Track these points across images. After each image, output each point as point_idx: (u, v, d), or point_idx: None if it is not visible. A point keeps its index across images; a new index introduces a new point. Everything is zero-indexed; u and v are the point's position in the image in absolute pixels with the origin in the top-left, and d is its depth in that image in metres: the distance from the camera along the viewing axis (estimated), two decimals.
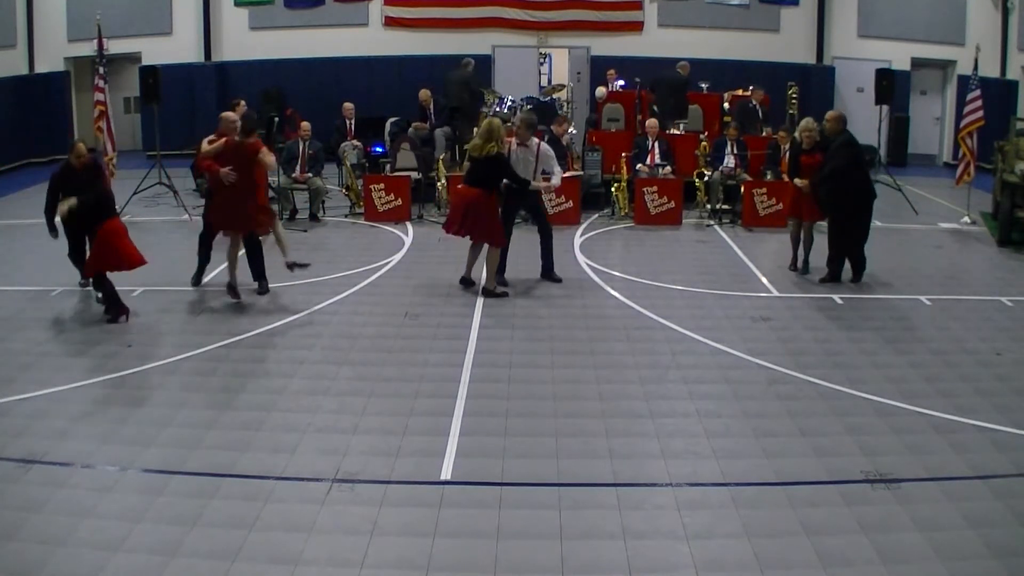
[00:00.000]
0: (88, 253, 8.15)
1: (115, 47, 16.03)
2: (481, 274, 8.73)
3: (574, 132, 13.66)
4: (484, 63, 17.73)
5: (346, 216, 12.34)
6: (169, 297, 8.66)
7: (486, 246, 8.66)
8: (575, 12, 17.76)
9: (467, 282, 8.92)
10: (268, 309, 8.29)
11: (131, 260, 7.91)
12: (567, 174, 11.05)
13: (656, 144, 12.44)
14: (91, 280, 8.23)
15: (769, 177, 12.16)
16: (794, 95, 14.28)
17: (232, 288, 8.35)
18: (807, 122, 9.41)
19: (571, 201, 11.94)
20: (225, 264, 8.51)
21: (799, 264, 9.58)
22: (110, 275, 7.92)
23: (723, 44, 17.31)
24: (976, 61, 12.56)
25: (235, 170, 8.14)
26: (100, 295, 8.22)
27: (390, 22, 17.75)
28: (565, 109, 14.52)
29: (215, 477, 5.13)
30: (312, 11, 17.62)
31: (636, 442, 5.66)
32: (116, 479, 5.13)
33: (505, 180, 8.63)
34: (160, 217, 11.93)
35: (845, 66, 17.69)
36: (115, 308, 7.94)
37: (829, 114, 9.39)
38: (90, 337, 7.58)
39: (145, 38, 17.28)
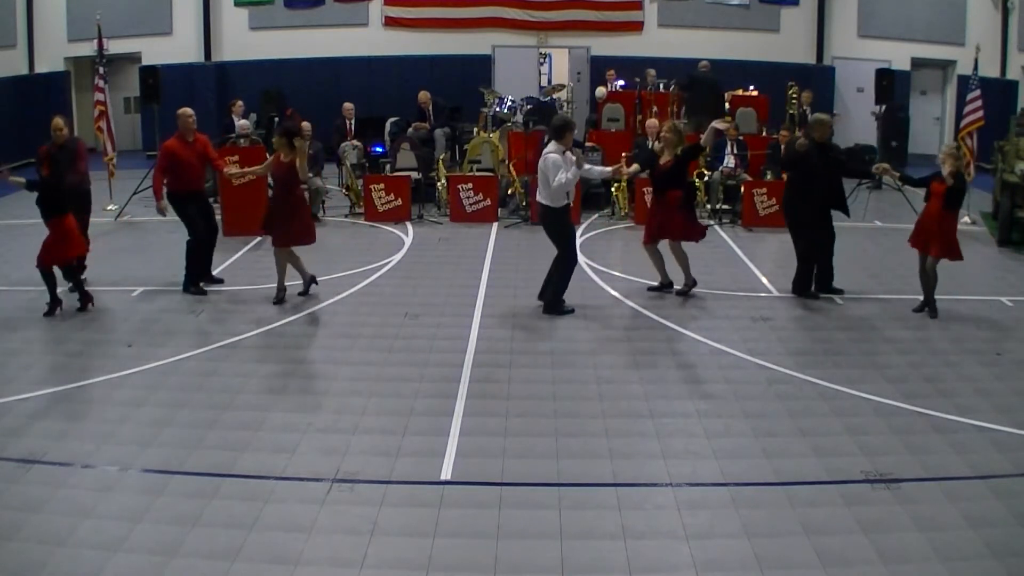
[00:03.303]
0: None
1: (115, 47, 16.05)
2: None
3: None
4: (484, 63, 17.75)
5: (346, 216, 12.34)
6: (169, 297, 8.65)
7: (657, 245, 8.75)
8: (575, 12, 17.77)
9: (666, 286, 8.89)
10: (268, 309, 8.29)
11: (78, 250, 8.26)
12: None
13: (655, 145, 12.41)
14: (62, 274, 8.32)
15: (769, 177, 12.16)
16: (794, 95, 14.28)
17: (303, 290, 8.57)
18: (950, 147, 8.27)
19: (571, 201, 11.91)
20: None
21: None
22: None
23: (723, 44, 17.31)
24: (976, 61, 12.55)
25: (280, 184, 8.41)
26: (72, 285, 8.29)
27: (390, 22, 17.76)
28: (565, 109, 14.53)
29: (215, 477, 5.13)
30: (312, 11, 17.63)
31: (636, 442, 5.65)
32: (116, 479, 5.13)
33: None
34: (160, 217, 11.92)
35: (845, 66, 17.69)
36: (54, 305, 8.09)
37: (823, 117, 8.89)
38: (90, 337, 7.58)
39: (145, 38, 17.30)
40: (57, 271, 8.14)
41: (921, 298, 8.30)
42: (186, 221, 8.84)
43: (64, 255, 8.07)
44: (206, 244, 8.98)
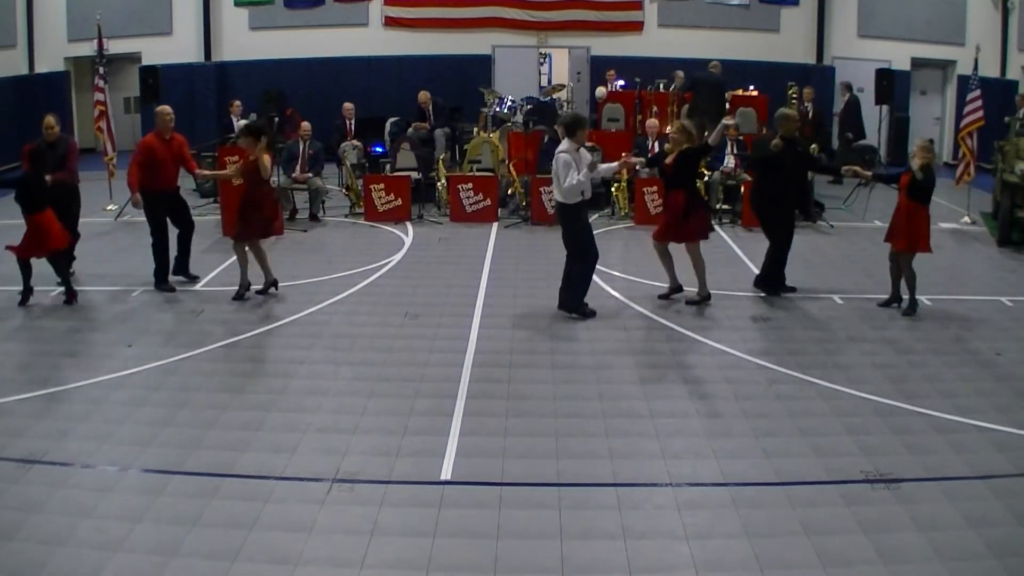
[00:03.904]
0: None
1: (115, 47, 16.04)
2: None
3: None
4: (484, 63, 17.75)
5: (346, 216, 12.34)
6: (169, 297, 8.65)
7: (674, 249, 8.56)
8: (575, 12, 17.77)
9: (676, 290, 8.62)
10: (268, 309, 8.29)
11: (55, 244, 8.22)
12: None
13: (656, 144, 12.44)
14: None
15: None
16: (794, 95, 14.28)
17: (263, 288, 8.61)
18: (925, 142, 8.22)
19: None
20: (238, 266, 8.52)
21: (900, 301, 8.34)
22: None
23: (723, 44, 17.30)
24: (976, 61, 12.56)
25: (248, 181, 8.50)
26: (59, 280, 8.39)
27: (390, 22, 17.76)
28: (565, 109, 14.53)
29: (215, 477, 5.13)
30: (312, 11, 17.63)
31: (636, 442, 5.65)
32: (116, 479, 5.13)
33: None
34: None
35: (845, 66, 17.68)
36: (27, 294, 8.22)
37: (789, 112, 9.06)
38: (89, 337, 7.58)
39: (145, 38, 17.28)
40: (48, 268, 8.23)
41: (906, 296, 8.25)
42: (151, 221, 8.89)
43: (40, 248, 8.14)
44: (183, 240, 9.09)
